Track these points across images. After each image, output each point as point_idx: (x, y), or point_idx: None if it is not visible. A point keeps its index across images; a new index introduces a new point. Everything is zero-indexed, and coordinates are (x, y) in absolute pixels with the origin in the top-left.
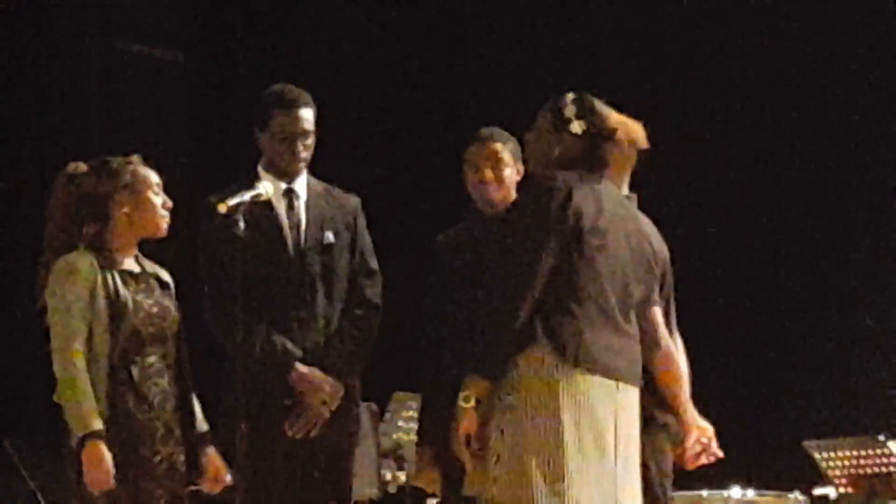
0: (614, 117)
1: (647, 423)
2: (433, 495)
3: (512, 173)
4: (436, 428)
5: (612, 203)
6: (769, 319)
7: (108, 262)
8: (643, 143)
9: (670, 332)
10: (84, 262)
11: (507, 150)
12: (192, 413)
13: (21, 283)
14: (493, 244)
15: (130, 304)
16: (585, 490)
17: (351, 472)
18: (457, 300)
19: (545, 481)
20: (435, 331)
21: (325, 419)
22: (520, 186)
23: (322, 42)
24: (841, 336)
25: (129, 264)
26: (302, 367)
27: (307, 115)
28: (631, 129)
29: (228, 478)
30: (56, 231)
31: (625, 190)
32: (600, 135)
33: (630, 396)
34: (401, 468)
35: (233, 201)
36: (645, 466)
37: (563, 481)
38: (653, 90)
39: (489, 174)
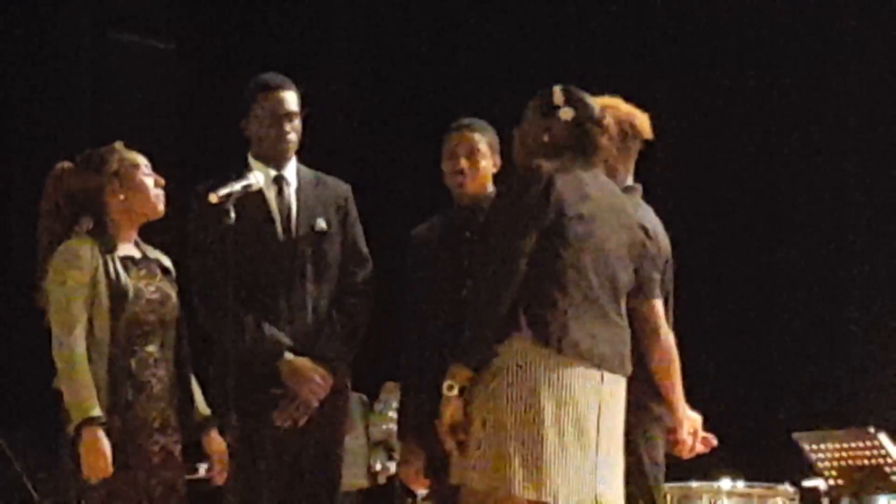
0: (622, 107)
1: (642, 415)
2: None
3: (488, 164)
4: (417, 419)
5: (599, 190)
6: (760, 312)
7: (108, 248)
8: (648, 134)
9: (668, 324)
10: (85, 248)
11: (484, 141)
12: (191, 401)
13: (16, 273)
14: (479, 234)
15: (131, 291)
16: (564, 479)
17: (340, 461)
18: (434, 291)
19: (524, 469)
20: (414, 322)
21: (313, 409)
22: (496, 178)
23: (312, 32)
24: (832, 328)
25: (130, 250)
26: (291, 357)
27: (290, 96)
28: (637, 120)
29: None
30: (46, 233)
31: (629, 180)
32: (589, 121)
33: (616, 386)
34: (391, 458)
35: (223, 191)
36: (638, 458)
37: (542, 470)
38: (650, 84)
39: (465, 163)
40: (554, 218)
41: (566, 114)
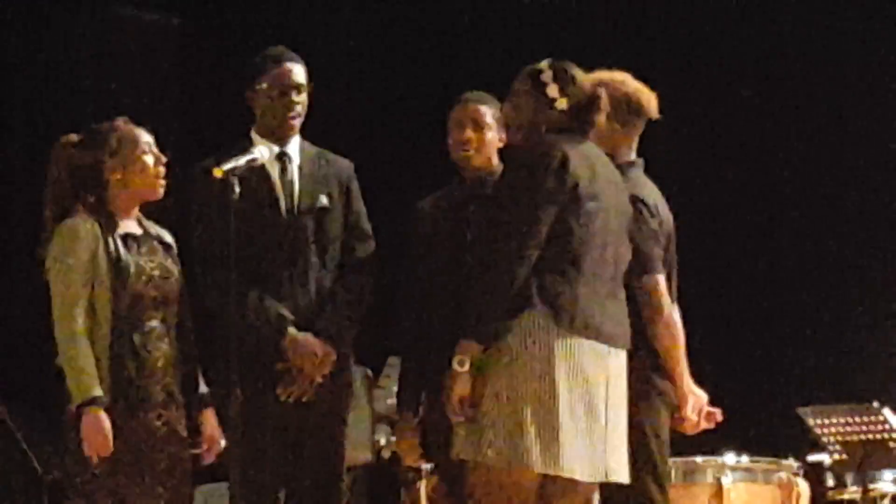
0: (630, 84)
1: (646, 391)
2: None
3: (494, 137)
4: (416, 394)
5: (603, 166)
6: (765, 286)
7: (109, 225)
8: (654, 113)
9: (672, 300)
10: (85, 226)
11: (490, 114)
12: (194, 376)
13: (20, 250)
14: (487, 210)
15: (132, 268)
16: (578, 453)
17: (344, 436)
18: (437, 265)
19: (540, 444)
20: (414, 296)
21: (317, 384)
22: (501, 153)
23: (316, 6)
24: (836, 303)
25: (131, 227)
26: (294, 332)
27: (298, 69)
28: (644, 98)
29: (222, 443)
30: (51, 206)
31: (632, 156)
32: (586, 106)
33: (620, 361)
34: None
35: (228, 166)
36: (644, 434)
37: (558, 444)
38: (653, 58)
39: (471, 135)
40: (570, 195)
41: (563, 104)
